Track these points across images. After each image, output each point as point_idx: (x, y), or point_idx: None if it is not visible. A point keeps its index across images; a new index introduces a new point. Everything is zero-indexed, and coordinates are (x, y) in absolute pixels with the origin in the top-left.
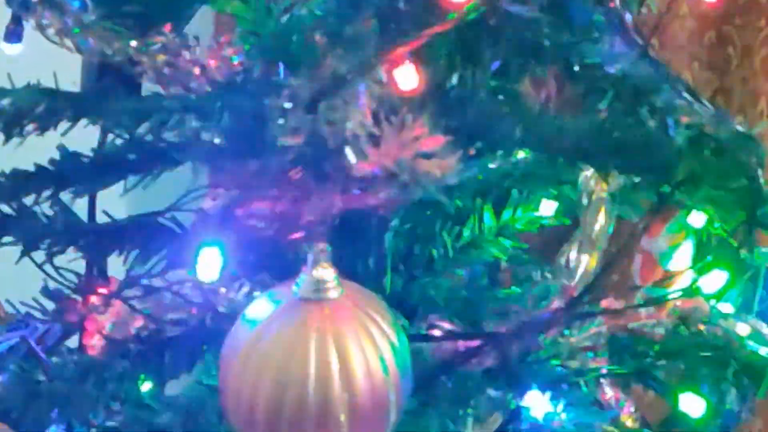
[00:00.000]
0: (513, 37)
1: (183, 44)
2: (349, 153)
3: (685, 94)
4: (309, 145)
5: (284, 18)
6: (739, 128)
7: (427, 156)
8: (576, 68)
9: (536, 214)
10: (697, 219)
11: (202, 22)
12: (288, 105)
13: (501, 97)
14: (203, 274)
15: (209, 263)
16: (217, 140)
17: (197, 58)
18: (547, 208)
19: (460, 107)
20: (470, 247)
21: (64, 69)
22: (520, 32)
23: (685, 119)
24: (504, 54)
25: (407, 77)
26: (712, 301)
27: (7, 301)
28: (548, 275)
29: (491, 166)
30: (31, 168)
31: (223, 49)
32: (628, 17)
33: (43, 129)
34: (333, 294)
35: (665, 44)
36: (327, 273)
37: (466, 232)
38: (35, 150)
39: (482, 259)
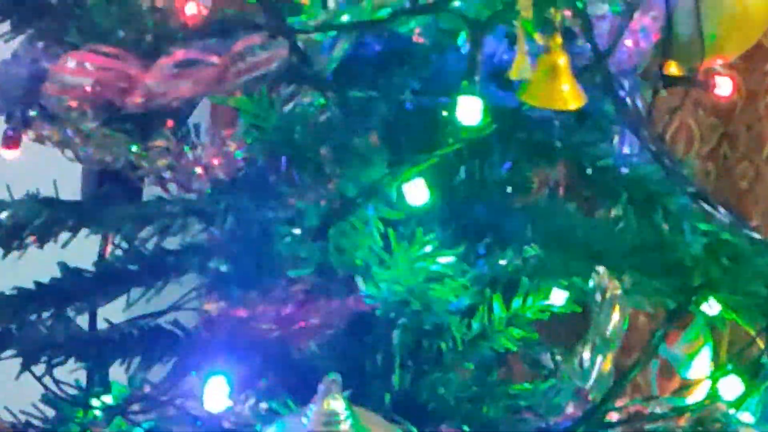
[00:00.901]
0: (523, 137)
1: (185, 143)
2: (360, 281)
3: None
4: (318, 273)
5: (287, 108)
6: (756, 235)
7: (439, 276)
8: (588, 171)
9: (547, 302)
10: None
11: (197, 113)
12: (296, 231)
13: (510, 189)
14: (211, 405)
15: (216, 393)
16: (223, 268)
17: (200, 157)
18: (558, 296)
19: (469, 203)
20: (480, 338)
21: (64, 173)
22: (531, 132)
23: (701, 225)
24: (514, 155)
25: (417, 192)
26: (732, 410)
27: (6, 408)
28: (559, 359)
29: (501, 263)
30: (31, 285)
31: (226, 145)
32: (639, 104)
33: (43, 241)
34: (344, 427)
35: (670, 90)
36: (338, 405)
37: (476, 324)
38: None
39: (492, 350)
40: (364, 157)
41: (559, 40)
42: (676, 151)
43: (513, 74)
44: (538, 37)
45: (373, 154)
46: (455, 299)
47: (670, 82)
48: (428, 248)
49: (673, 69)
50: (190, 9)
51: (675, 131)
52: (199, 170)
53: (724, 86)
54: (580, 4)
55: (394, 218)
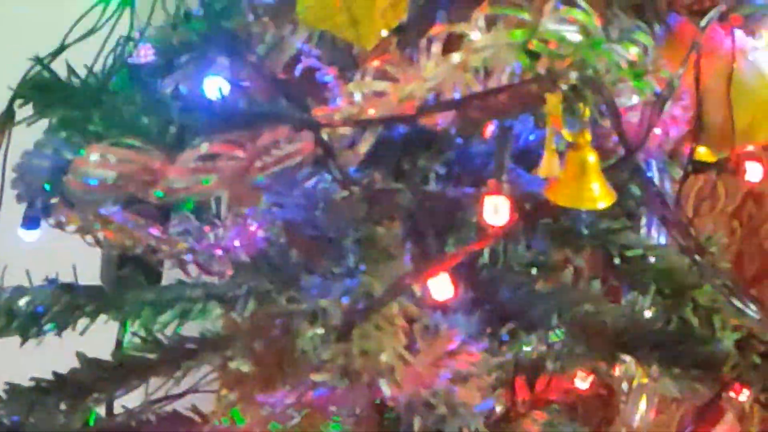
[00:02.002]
0: (548, 223)
1: (205, 223)
2: (384, 385)
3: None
4: (341, 376)
5: (309, 184)
6: None
7: (464, 377)
8: (616, 260)
9: (571, 385)
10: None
11: None
12: (320, 331)
13: (535, 271)
14: None
15: None
16: (245, 368)
17: (221, 238)
18: (583, 379)
19: (492, 286)
20: (503, 422)
21: (83, 256)
22: (557, 218)
23: (731, 321)
24: (539, 241)
25: (443, 287)
26: None
27: None
28: None
29: (526, 349)
30: (49, 376)
31: (247, 224)
32: (667, 187)
33: (61, 328)
34: None
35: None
36: None
37: (498, 407)
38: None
39: None
40: (388, 252)
41: (588, 136)
42: (702, 208)
43: (542, 172)
44: (567, 134)
45: (397, 248)
46: (482, 401)
47: (700, 167)
48: (453, 344)
49: (702, 151)
50: (215, 97)
51: (700, 188)
52: (219, 252)
53: (754, 172)
54: (609, 98)
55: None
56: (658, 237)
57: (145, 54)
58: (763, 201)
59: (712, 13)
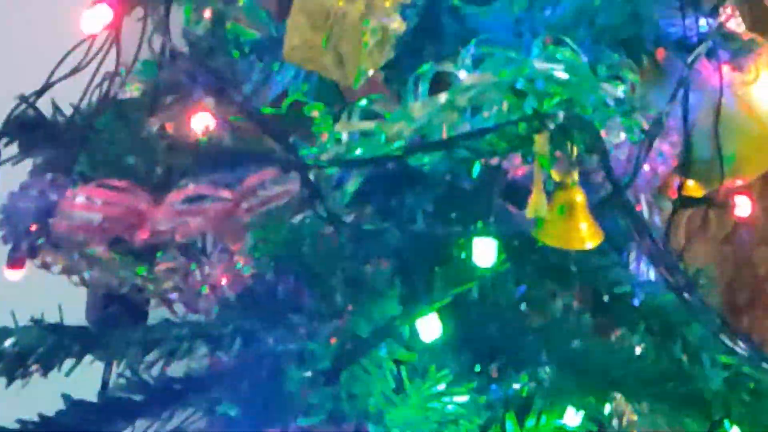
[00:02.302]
0: (537, 260)
1: (192, 260)
2: (371, 429)
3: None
4: (329, 419)
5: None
6: None
7: (454, 417)
8: (605, 297)
9: (561, 422)
10: None
11: None
12: (308, 374)
13: (524, 307)
14: None
15: None
16: (231, 412)
17: (207, 276)
18: (573, 416)
19: (481, 323)
20: None
21: (69, 295)
22: (545, 256)
23: (721, 358)
24: (528, 279)
25: (431, 328)
26: None
27: None
28: None
29: (515, 386)
30: (35, 417)
31: (233, 260)
32: (656, 220)
33: (47, 369)
34: None
35: None
36: None
37: None
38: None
39: None
40: (376, 291)
41: (576, 176)
42: (693, 235)
43: (529, 212)
44: (555, 174)
45: (385, 288)
46: None
47: (689, 202)
48: (442, 386)
49: (691, 185)
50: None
51: (691, 215)
52: (206, 290)
53: (743, 206)
54: (597, 136)
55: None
56: (648, 271)
57: (131, 91)
58: (754, 228)
59: (700, 49)
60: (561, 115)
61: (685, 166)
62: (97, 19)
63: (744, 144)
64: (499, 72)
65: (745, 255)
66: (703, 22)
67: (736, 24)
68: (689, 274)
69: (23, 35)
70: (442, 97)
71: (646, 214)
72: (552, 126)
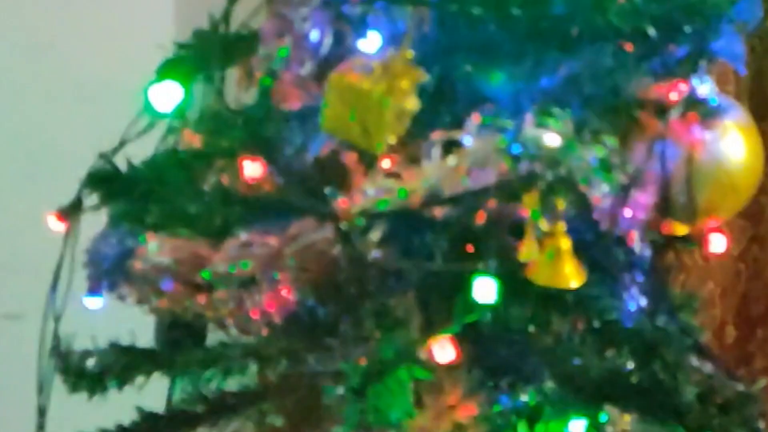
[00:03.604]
0: (538, 291)
1: (244, 291)
2: None
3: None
4: (358, 429)
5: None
6: (742, 388)
7: (464, 428)
8: (596, 323)
9: (567, 430)
10: None
11: None
12: (341, 390)
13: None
14: None
15: None
16: (278, 422)
17: (258, 303)
18: (577, 426)
19: (491, 344)
20: None
21: (140, 321)
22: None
23: (694, 376)
24: (532, 307)
25: (446, 352)
26: None
27: None
28: None
29: (523, 398)
30: (112, 427)
31: (280, 289)
32: (645, 253)
33: (122, 385)
34: None
35: None
36: None
37: None
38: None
39: None
40: (399, 320)
41: (562, 226)
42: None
43: (522, 256)
44: (543, 224)
45: (407, 317)
46: None
47: (669, 240)
48: (454, 399)
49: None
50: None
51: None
52: (256, 315)
53: (717, 243)
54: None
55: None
56: (638, 299)
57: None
58: (767, 245)
59: (673, 111)
60: (549, 175)
61: (664, 209)
62: (167, 97)
63: (715, 191)
64: (498, 139)
65: (758, 271)
66: (677, 89)
67: (707, 88)
68: (674, 299)
69: (101, 100)
70: (451, 161)
71: (637, 248)
72: (541, 185)
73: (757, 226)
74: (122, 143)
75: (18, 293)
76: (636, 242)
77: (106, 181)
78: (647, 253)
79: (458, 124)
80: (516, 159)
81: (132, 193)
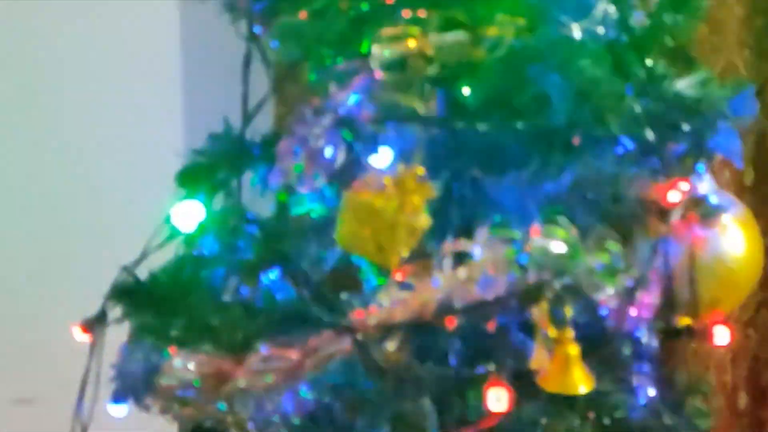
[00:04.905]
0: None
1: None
2: None
3: None
4: None
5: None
6: None
7: None
8: (606, 420)
9: None
10: None
11: None
12: None
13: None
14: None
15: None
16: None
17: (277, 404)
18: None
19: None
20: None
21: (162, 426)
22: None
23: None
24: (544, 404)
25: None
26: None
27: None
28: None
29: None
30: None
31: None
32: (653, 344)
33: None
34: None
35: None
36: None
37: None
38: None
39: None
40: (415, 425)
41: (570, 333)
42: None
43: (533, 364)
44: (553, 332)
45: (424, 421)
46: None
47: (674, 332)
48: None
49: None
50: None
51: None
52: (276, 418)
53: (721, 336)
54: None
55: None
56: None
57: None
58: None
59: (675, 213)
60: (556, 285)
61: (669, 304)
62: (190, 217)
63: (717, 287)
64: (507, 250)
65: (766, 336)
66: (677, 188)
67: (706, 186)
68: (683, 387)
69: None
70: (462, 273)
71: (644, 339)
72: (549, 294)
73: (765, 291)
74: (144, 255)
75: (30, 378)
76: (643, 334)
77: (129, 293)
78: (654, 343)
79: (468, 227)
80: (524, 269)
81: (155, 305)
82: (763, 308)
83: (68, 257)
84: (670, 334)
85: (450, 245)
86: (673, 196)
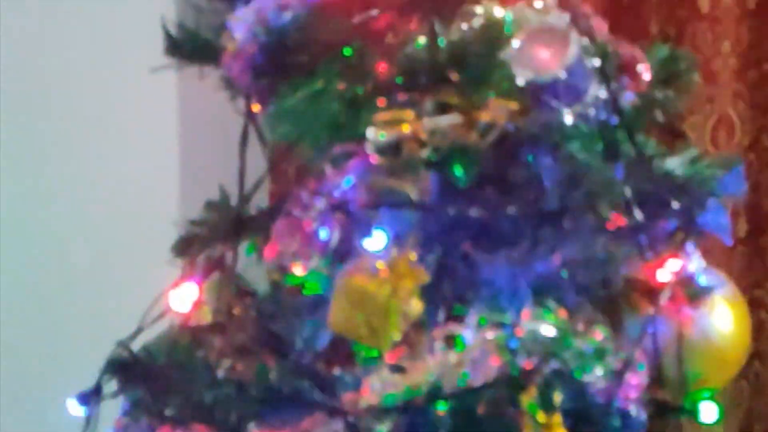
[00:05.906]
0: None
1: None
2: None
3: None
4: None
5: None
6: None
7: None
8: None
9: None
10: None
11: None
12: None
13: None
14: None
15: None
16: None
17: None
18: None
19: None
20: None
21: None
22: None
23: None
24: None
25: None
26: None
27: None
28: None
29: None
30: None
31: None
32: (642, 418)
33: None
34: None
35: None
36: None
37: None
38: None
39: None
40: None
41: (558, 419)
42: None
43: None
44: (542, 417)
45: None
46: None
47: (662, 409)
48: None
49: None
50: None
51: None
52: None
53: (710, 412)
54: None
55: None
56: None
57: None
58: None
59: (664, 294)
60: (545, 370)
61: (657, 381)
62: (185, 299)
63: (705, 364)
64: (497, 336)
65: (760, 387)
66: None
67: (694, 265)
68: None
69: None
70: (453, 357)
71: (633, 413)
72: (538, 380)
73: (757, 341)
74: (139, 330)
75: None
76: (632, 409)
77: (124, 369)
78: (643, 417)
79: (460, 300)
80: (513, 353)
81: (150, 381)
82: (755, 359)
83: (64, 328)
84: (659, 410)
85: (441, 330)
86: (662, 276)
